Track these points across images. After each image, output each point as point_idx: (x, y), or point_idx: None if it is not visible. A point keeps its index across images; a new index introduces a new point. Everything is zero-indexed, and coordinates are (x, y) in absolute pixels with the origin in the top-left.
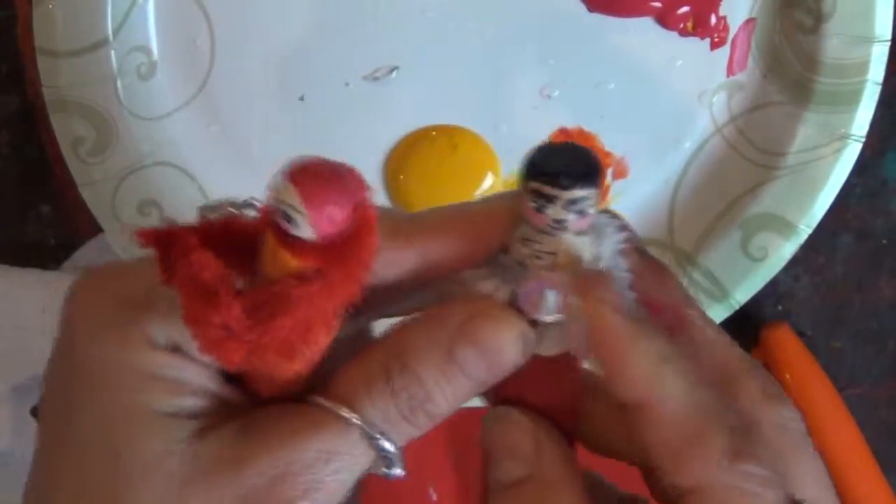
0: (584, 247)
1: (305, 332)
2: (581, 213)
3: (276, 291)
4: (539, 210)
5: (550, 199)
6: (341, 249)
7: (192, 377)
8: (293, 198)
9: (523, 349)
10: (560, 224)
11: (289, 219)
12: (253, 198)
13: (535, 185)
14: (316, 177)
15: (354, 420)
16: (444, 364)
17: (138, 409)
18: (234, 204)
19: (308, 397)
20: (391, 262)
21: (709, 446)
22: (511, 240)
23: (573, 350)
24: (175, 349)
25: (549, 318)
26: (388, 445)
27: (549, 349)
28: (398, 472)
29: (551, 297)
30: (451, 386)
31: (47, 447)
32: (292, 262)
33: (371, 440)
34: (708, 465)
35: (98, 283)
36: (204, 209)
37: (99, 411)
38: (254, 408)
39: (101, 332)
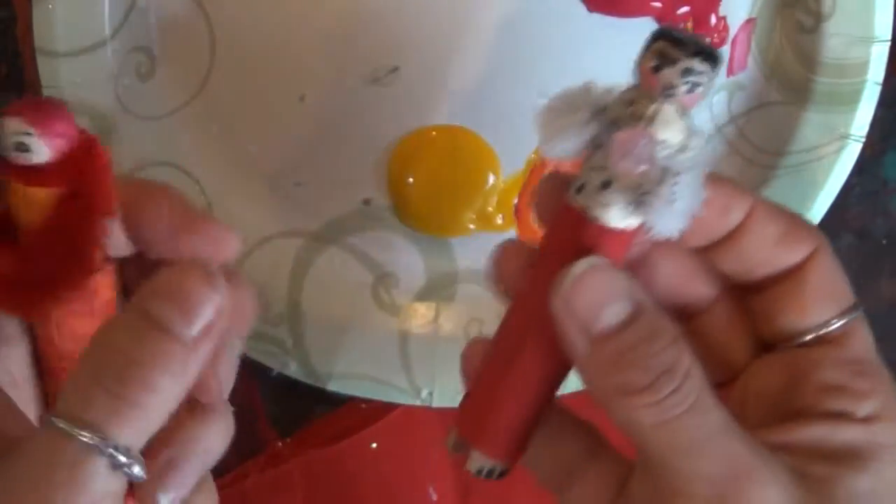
0: (680, 128)
1: (82, 252)
2: (693, 86)
3: (38, 227)
4: (656, 71)
5: (671, 62)
6: (79, 163)
7: None
8: (20, 125)
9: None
10: (670, 90)
11: (23, 149)
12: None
13: (661, 44)
14: (32, 102)
15: (54, 421)
16: (140, 324)
17: None
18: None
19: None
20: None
21: (802, 231)
22: (613, 102)
23: (646, 219)
24: None
25: (637, 169)
26: (84, 436)
27: (617, 219)
28: (140, 472)
29: (646, 148)
30: (153, 344)
31: None
32: (41, 194)
33: (81, 439)
34: (809, 238)
35: None
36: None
37: None
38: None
39: None
